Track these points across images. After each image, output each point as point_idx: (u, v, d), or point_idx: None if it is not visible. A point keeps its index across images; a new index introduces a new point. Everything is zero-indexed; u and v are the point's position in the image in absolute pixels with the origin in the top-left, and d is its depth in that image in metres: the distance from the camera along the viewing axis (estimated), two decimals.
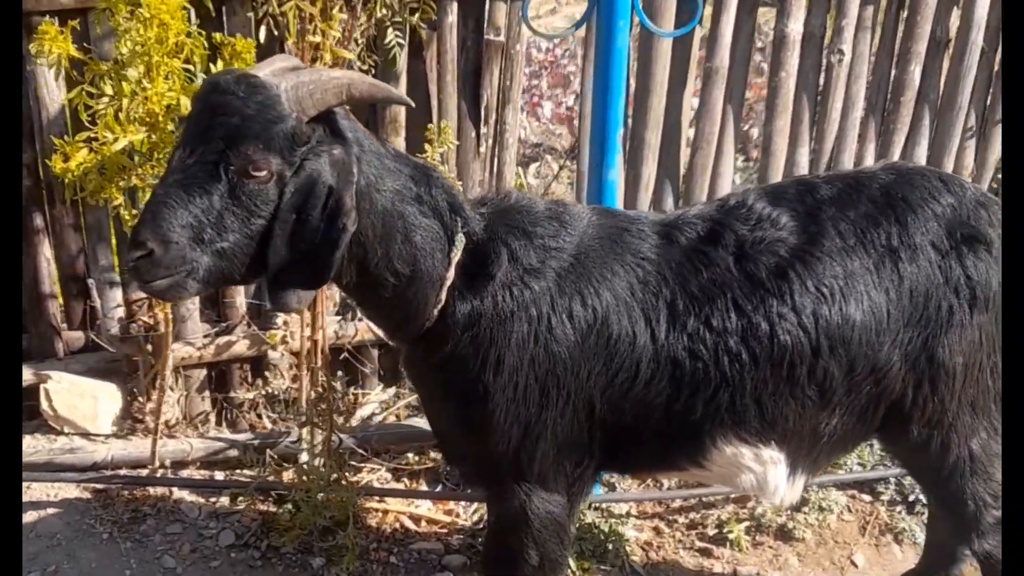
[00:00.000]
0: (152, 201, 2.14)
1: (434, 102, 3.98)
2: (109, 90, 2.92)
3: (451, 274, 2.43)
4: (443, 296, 2.44)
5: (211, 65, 2.98)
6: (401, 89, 3.82)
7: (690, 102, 4.26)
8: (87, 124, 3.01)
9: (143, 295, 3.71)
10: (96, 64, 2.98)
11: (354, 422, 4.08)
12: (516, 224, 2.51)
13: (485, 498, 3.02)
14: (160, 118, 2.86)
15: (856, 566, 3.47)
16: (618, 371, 2.48)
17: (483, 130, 4.06)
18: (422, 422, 4.00)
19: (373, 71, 3.70)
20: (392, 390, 4.31)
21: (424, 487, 3.82)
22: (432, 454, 3.95)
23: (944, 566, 3.18)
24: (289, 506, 3.47)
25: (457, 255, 2.43)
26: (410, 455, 3.94)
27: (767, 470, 2.62)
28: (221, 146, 2.10)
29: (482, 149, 4.08)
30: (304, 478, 3.44)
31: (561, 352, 2.46)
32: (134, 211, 3.11)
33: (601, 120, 3.22)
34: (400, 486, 3.80)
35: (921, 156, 4.43)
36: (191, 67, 2.94)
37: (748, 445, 2.57)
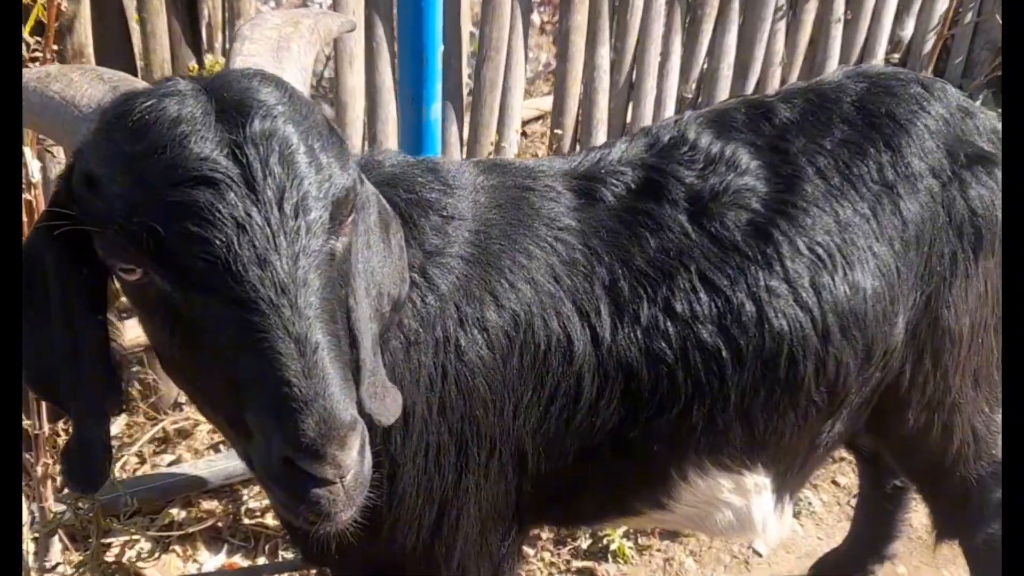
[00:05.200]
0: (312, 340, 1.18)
1: (133, 24, 2.83)
2: None
3: None
4: None
5: None
6: (83, 9, 2.62)
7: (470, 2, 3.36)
8: None
9: None
10: None
11: None
12: (394, 181, 1.70)
13: None
14: None
15: (760, 555, 2.92)
16: (554, 396, 1.70)
17: (207, 57, 2.97)
18: (188, 465, 2.98)
19: None
20: (122, 419, 3.21)
21: (204, 552, 2.83)
22: (204, 505, 2.96)
23: (864, 563, 2.74)
24: None
25: None
26: (174, 511, 2.92)
27: (750, 502, 1.92)
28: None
29: None
30: None
31: (478, 384, 1.64)
32: None
33: (413, 39, 2.28)
34: (176, 558, 2.79)
35: (731, 45, 3.83)
36: None
37: (729, 473, 1.86)
